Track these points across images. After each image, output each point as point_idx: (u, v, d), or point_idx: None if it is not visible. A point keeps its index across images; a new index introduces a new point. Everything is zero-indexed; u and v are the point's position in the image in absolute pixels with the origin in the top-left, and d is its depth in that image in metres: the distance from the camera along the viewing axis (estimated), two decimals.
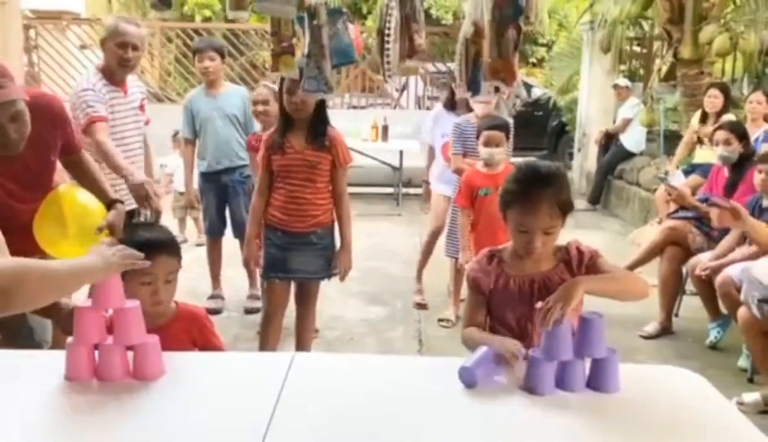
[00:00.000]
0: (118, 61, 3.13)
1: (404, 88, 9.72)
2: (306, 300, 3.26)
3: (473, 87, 2.47)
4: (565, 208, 1.85)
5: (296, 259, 3.08)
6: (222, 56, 4.25)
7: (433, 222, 4.58)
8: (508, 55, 2.24)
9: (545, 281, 1.88)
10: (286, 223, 3.05)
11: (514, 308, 1.91)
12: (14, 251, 2.15)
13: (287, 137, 2.99)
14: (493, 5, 2.20)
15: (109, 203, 2.51)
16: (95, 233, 2.36)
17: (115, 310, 1.69)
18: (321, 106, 2.96)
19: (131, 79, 3.37)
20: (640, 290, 1.87)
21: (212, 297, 4.34)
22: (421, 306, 4.55)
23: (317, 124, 2.99)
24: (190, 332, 1.99)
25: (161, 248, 1.94)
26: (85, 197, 2.45)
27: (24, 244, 2.22)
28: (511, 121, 4.03)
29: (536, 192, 1.82)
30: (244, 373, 1.80)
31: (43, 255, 2.34)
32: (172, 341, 1.86)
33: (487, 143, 3.59)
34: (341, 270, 3.16)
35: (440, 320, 4.28)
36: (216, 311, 4.11)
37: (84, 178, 2.56)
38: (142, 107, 3.37)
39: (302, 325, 3.30)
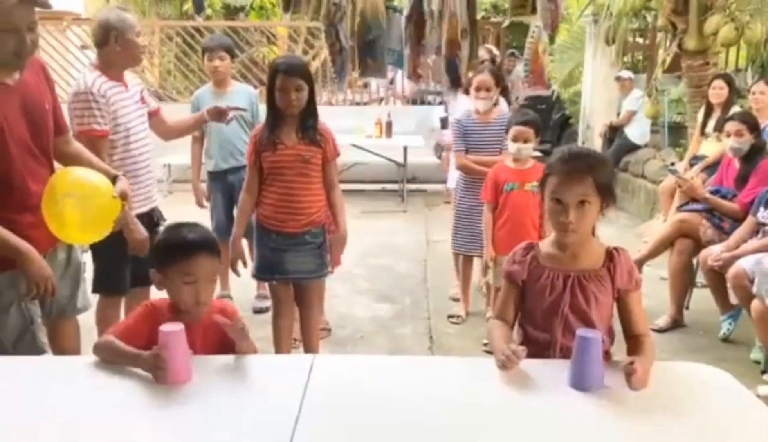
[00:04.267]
0: (139, 51, 3.03)
1: (392, 81, 9.54)
2: (306, 301, 3.24)
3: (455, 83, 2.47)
4: (603, 189, 1.83)
5: (292, 260, 3.07)
6: (232, 56, 4.26)
7: None
8: None
9: (581, 278, 1.88)
10: (280, 224, 3.03)
11: (543, 301, 1.90)
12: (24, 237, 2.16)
13: (277, 133, 2.96)
14: None
15: (112, 178, 2.49)
16: (113, 198, 2.38)
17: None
18: (311, 100, 2.95)
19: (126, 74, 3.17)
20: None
21: (220, 297, 4.32)
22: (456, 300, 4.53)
23: (308, 119, 2.97)
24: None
25: (203, 248, 1.92)
26: (89, 173, 2.41)
27: (35, 230, 2.23)
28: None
29: (573, 164, 1.84)
30: (266, 377, 1.79)
31: (54, 239, 2.34)
32: (210, 335, 1.89)
33: (516, 138, 3.56)
34: (334, 257, 3.14)
35: (450, 316, 4.26)
36: None
37: (79, 162, 2.49)
38: (143, 100, 3.22)
39: (307, 328, 3.28)
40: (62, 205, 2.23)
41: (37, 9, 2.14)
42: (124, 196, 2.44)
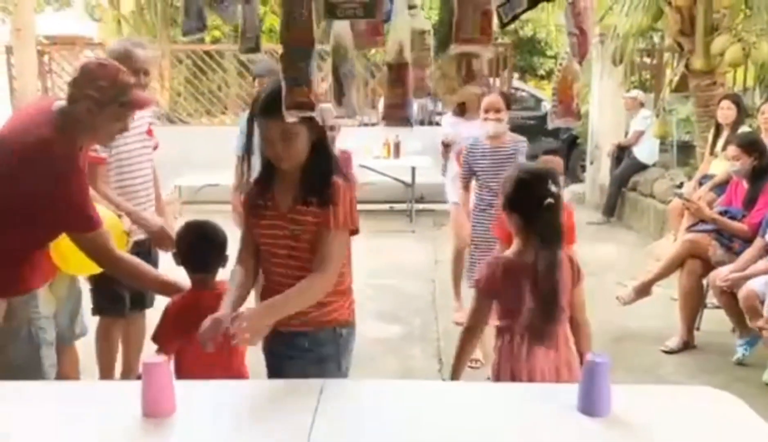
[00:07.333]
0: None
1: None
2: None
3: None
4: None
5: (288, 372, 1.99)
6: None
7: (453, 240, 4.47)
8: None
9: None
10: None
11: None
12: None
13: (271, 191, 2.03)
14: None
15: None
16: (122, 232, 2.54)
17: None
18: (321, 146, 1.98)
19: None
20: None
21: None
22: (460, 324, 4.49)
23: (314, 172, 1.96)
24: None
25: None
26: (101, 209, 2.44)
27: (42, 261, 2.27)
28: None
29: None
30: (276, 403, 1.78)
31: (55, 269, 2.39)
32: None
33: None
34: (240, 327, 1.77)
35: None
36: None
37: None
38: (149, 132, 3.15)
39: None
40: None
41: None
42: (129, 233, 2.60)
